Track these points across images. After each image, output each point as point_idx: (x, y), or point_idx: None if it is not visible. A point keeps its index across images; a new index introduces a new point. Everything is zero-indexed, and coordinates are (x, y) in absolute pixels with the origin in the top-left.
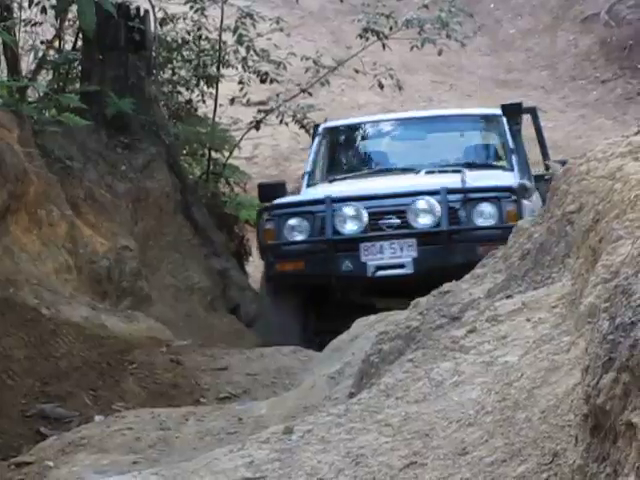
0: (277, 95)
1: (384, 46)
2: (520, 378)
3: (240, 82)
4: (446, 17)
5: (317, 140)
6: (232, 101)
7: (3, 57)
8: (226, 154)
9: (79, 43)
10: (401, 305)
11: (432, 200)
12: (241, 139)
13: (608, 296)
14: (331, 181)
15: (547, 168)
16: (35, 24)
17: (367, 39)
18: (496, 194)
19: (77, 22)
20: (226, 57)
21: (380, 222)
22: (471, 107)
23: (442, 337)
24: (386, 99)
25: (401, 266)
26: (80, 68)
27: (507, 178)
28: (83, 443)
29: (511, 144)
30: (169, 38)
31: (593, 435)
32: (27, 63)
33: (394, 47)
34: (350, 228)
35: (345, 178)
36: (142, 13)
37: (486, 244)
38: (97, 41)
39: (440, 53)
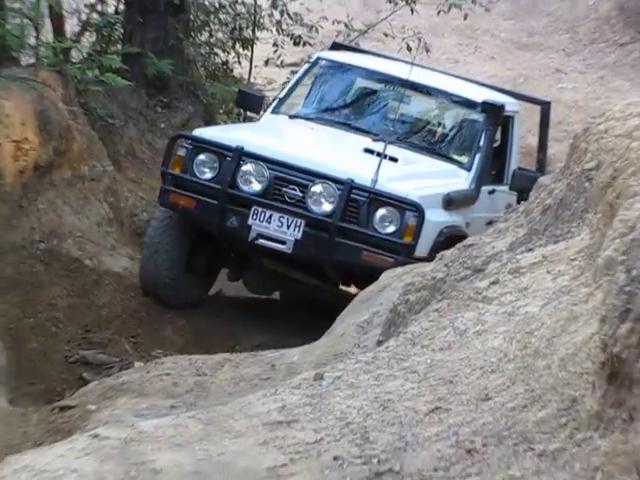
0: (309, 57)
1: (412, 10)
2: (540, 327)
3: (274, 44)
4: None
5: (305, 67)
6: (266, 62)
7: (49, 20)
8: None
9: (121, 7)
10: (290, 272)
11: (332, 188)
12: (275, 99)
13: (625, 249)
14: (292, 117)
15: (539, 162)
16: None
17: (396, 4)
18: (402, 204)
19: None
20: (261, 20)
21: (284, 189)
22: (494, 69)
23: (466, 288)
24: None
25: (282, 242)
26: (122, 31)
27: (457, 179)
28: (123, 388)
29: (481, 142)
30: (207, 2)
31: (610, 382)
32: (71, 26)
33: (422, 11)
34: (250, 187)
35: (306, 119)
36: None
37: (372, 253)
38: (138, 4)
39: (466, 17)
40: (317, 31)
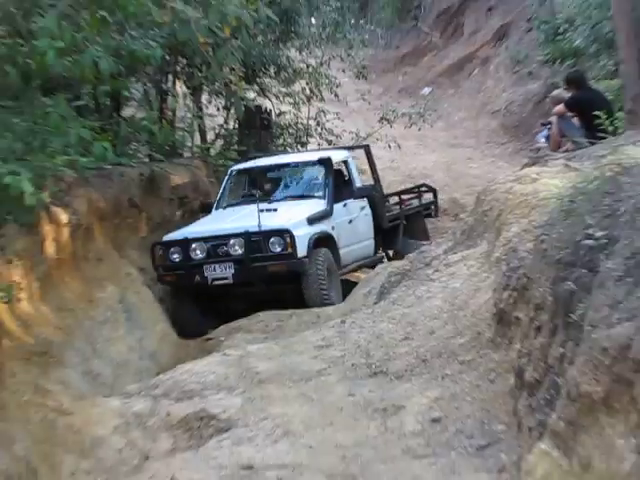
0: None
1: (391, 126)
2: (461, 294)
3: (318, 145)
4: (423, 111)
5: (227, 177)
6: None
7: (198, 133)
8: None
9: (236, 125)
10: (246, 296)
11: (239, 240)
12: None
13: (506, 253)
14: (225, 207)
15: (374, 180)
16: (213, 116)
17: (382, 123)
18: (279, 232)
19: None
20: (310, 132)
21: (218, 250)
22: (435, 158)
23: (421, 274)
24: (392, 153)
25: (225, 278)
26: (236, 138)
27: (319, 206)
28: (239, 328)
29: (326, 181)
30: (282, 122)
31: (498, 323)
32: (210, 135)
33: (396, 127)
34: (198, 256)
35: (235, 205)
36: (269, 109)
37: (274, 265)
38: (245, 123)
39: (419, 129)
40: (340, 137)
